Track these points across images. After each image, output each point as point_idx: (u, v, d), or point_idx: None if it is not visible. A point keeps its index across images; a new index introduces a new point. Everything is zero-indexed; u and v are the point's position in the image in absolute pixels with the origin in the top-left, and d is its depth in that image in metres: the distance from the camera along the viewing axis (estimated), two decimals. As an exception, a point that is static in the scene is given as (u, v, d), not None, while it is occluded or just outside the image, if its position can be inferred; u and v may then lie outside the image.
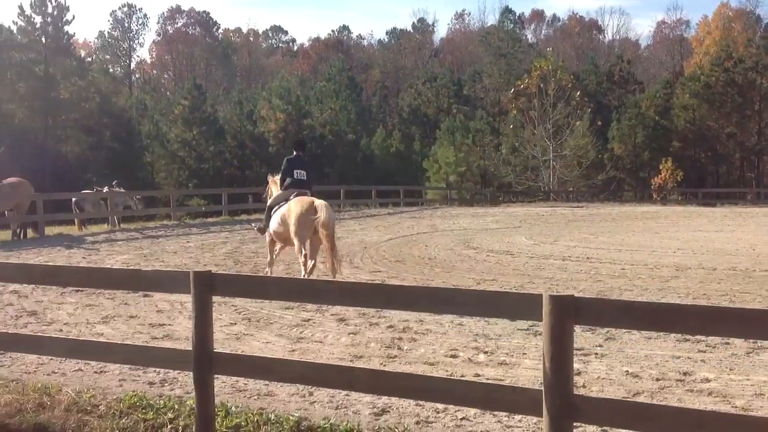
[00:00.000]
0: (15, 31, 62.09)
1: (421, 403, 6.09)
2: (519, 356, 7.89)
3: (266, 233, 13.91)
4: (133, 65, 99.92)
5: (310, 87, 74.85)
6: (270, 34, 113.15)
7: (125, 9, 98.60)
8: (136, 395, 6.35)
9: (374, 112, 78.58)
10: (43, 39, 61.29)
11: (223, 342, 8.42)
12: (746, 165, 70.29)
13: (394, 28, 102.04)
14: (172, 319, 10.02)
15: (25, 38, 61.59)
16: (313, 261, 12.69)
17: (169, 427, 5.75)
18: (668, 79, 74.05)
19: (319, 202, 12.59)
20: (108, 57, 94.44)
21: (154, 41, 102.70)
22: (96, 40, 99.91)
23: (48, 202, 24.10)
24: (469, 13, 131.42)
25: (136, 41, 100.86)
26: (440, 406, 6.03)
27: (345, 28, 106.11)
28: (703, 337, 8.20)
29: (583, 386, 6.64)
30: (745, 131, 66.48)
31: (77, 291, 11.77)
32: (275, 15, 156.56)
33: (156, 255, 17.44)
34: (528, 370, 7.29)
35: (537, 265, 15.46)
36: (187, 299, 9.41)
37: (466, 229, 25.38)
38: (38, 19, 61.31)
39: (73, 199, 26.98)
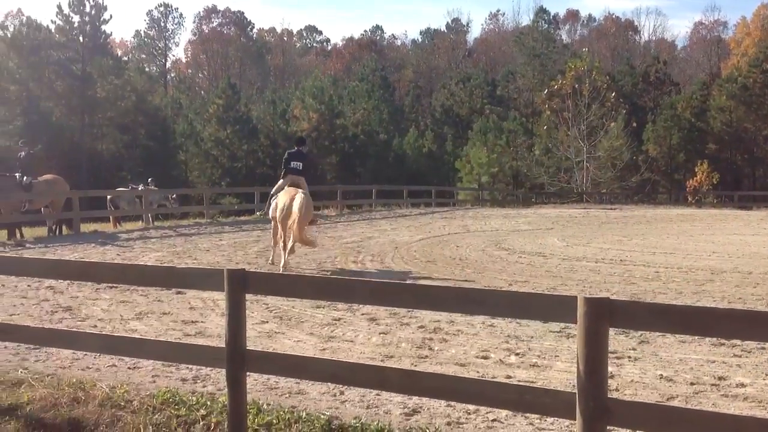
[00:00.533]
0: (53, 30, 63.01)
1: (452, 404, 6.07)
2: (551, 358, 7.83)
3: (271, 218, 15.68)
4: (168, 64, 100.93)
5: (343, 87, 75.00)
6: (304, 34, 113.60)
7: (161, 9, 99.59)
8: (169, 391, 6.40)
9: (407, 112, 78.55)
10: (81, 38, 62.12)
11: (254, 340, 8.45)
12: (784, 168, 69.25)
13: (428, 28, 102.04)
14: (204, 317, 10.08)
15: (63, 37, 62.48)
16: (290, 244, 14.50)
17: (201, 423, 5.79)
18: (705, 80, 73.19)
19: (298, 195, 14.34)
20: (144, 56, 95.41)
21: (189, 41, 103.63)
22: (132, 40, 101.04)
23: (83, 200, 24.38)
24: (504, 13, 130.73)
25: (172, 41, 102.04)
26: (471, 407, 6.00)
27: (378, 27, 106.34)
28: (738, 342, 8.09)
29: (616, 389, 6.58)
30: (783, 133, 65.53)
31: (111, 287, 11.89)
32: (309, 15, 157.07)
33: (189, 252, 17.57)
34: (560, 373, 7.24)
35: (569, 267, 15.34)
36: (220, 297, 9.49)
37: (498, 230, 25.27)
38: (76, 19, 62.20)
39: (108, 197, 27.29)
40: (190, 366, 7.23)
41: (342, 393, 6.56)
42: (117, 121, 62.86)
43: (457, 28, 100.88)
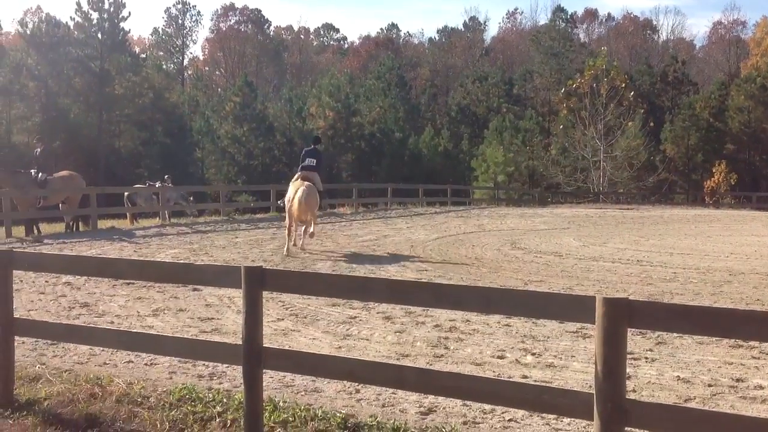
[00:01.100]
0: (72, 27, 63.39)
1: (468, 403, 6.06)
2: (567, 359, 7.81)
3: None
4: (185, 62, 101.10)
5: (360, 85, 74.96)
6: (321, 32, 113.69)
7: (179, 6, 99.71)
8: (185, 388, 6.42)
9: (423, 111, 78.39)
10: (99, 35, 62.43)
11: (270, 337, 8.46)
12: (802, 169, 68.71)
13: (445, 27, 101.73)
14: (220, 314, 10.11)
15: (82, 34, 62.86)
16: (292, 235, 17.25)
17: (217, 420, 5.80)
18: (723, 80, 72.70)
19: (302, 187, 16.53)
20: (161, 53, 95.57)
21: (206, 38, 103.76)
22: (150, 37, 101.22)
23: (101, 196, 24.46)
24: (522, 12, 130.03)
25: (190, 38, 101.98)
26: (487, 407, 5.99)
27: (394, 26, 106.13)
28: (756, 344, 8.04)
29: (633, 390, 6.54)
30: (802, 134, 65.04)
31: (128, 284, 11.94)
32: (326, 13, 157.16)
33: (205, 249, 17.64)
34: (577, 373, 7.22)
35: (586, 267, 15.29)
36: (235, 294, 9.53)
37: (514, 229, 25.20)
38: (95, 16, 62.54)
39: (126, 194, 27.42)
40: (206, 363, 7.25)
41: (358, 391, 6.56)
42: (134, 118, 63.16)
43: (474, 26, 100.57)
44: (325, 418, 5.74)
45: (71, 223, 22.26)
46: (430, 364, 7.51)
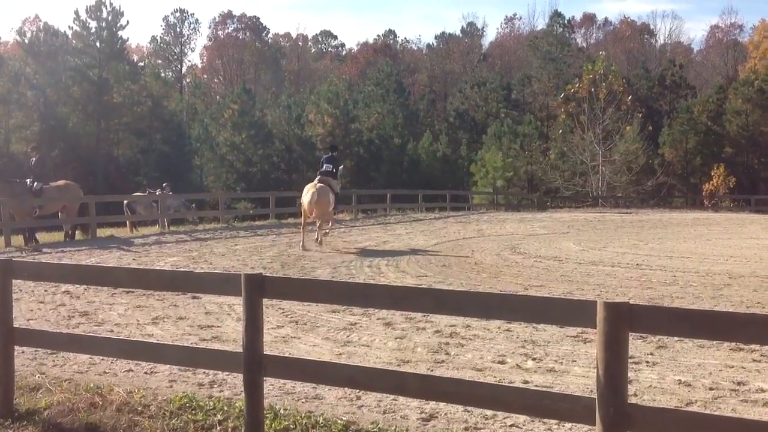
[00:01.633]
0: (70, 36, 63.46)
1: (470, 409, 6.05)
2: (568, 363, 7.80)
3: None
4: (184, 70, 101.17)
5: (358, 91, 75.01)
6: (319, 39, 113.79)
7: (177, 14, 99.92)
8: (186, 396, 6.41)
9: (421, 117, 78.40)
10: (98, 44, 62.43)
11: (270, 344, 8.44)
12: (801, 171, 68.70)
13: (443, 32, 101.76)
14: (220, 321, 10.10)
15: (80, 43, 62.90)
16: (304, 232, 19.79)
17: (218, 428, 5.79)
18: (721, 83, 72.74)
19: (313, 189, 18.92)
20: (160, 61, 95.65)
21: (205, 46, 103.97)
22: (148, 45, 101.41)
23: (100, 204, 24.44)
24: (520, 17, 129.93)
25: (188, 46, 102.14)
26: (489, 412, 5.97)
27: (391, 32, 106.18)
28: (757, 347, 8.03)
29: (635, 395, 6.53)
30: (800, 137, 65.05)
31: (128, 292, 11.92)
32: (325, 19, 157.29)
33: (204, 257, 17.62)
34: (578, 378, 7.20)
35: (585, 272, 15.29)
36: (235, 301, 9.51)
37: (513, 234, 25.20)
38: (93, 24, 62.54)
39: (125, 202, 27.41)
40: (207, 371, 7.23)
41: (359, 398, 6.55)
42: (133, 126, 63.17)
43: (472, 32, 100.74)
44: (326, 425, 5.73)
45: (70, 232, 22.25)
46: (431, 370, 7.50)
